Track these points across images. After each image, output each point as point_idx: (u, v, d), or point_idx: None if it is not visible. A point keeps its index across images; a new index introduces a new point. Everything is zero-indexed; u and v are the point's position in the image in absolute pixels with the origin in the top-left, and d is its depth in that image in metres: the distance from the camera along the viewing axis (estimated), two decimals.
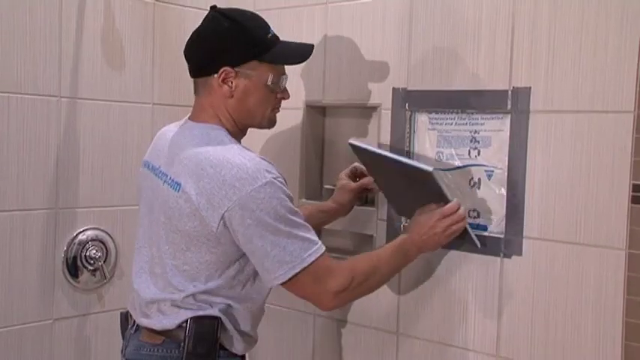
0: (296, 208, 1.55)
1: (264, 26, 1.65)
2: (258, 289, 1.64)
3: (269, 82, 1.64)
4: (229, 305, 1.60)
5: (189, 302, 1.58)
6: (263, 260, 1.52)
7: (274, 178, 1.51)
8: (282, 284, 1.54)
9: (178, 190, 1.54)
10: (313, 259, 1.53)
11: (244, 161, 1.51)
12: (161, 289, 1.61)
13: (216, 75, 1.60)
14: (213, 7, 1.66)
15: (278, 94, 1.68)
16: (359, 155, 1.87)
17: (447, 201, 1.68)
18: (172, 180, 1.57)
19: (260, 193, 1.48)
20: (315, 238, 1.55)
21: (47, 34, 2.02)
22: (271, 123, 1.71)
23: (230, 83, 1.61)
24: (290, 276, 1.52)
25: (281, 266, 1.51)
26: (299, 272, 1.52)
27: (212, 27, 1.62)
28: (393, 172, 1.79)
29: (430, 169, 1.64)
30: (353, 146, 1.84)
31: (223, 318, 1.59)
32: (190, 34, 1.67)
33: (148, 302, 1.63)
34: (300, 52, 1.71)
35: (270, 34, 1.64)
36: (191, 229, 1.54)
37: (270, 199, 1.49)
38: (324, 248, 1.56)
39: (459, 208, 1.67)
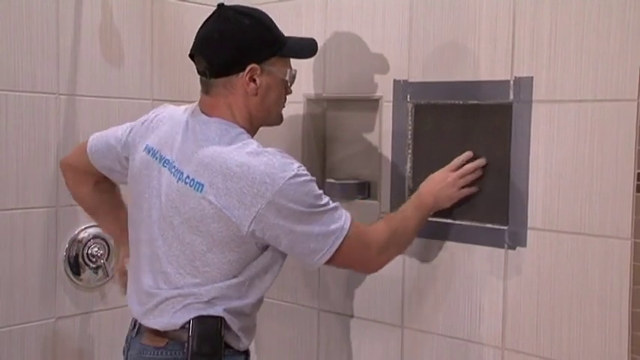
0: (319, 190, 1.56)
1: (274, 23, 1.66)
2: (264, 285, 1.63)
3: (287, 77, 1.66)
4: (237, 305, 1.58)
5: (200, 303, 1.56)
6: (308, 243, 1.53)
7: (299, 168, 1.53)
8: (330, 258, 1.55)
9: (201, 191, 1.52)
10: (349, 224, 1.56)
11: (269, 157, 1.52)
12: (172, 287, 1.58)
13: (242, 73, 1.59)
14: (221, 5, 1.63)
15: (288, 89, 1.70)
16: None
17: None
18: (192, 180, 1.54)
19: (291, 186, 1.49)
20: (340, 206, 1.59)
21: (45, 30, 2.01)
22: (281, 119, 1.74)
23: (256, 81, 1.60)
24: (337, 245, 1.54)
25: (327, 240, 1.53)
26: (344, 240, 1.54)
27: (233, 26, 1.58)
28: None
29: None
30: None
31: (228, 317, 1.57)
32: (201, 33, 1.62)
33: (153, 296, 1.60)
34: (310, 46, 1.75)
35: (279, 30, 1.66)
36: (214, 231, 1.52)
37: (301, 190, 1.51)
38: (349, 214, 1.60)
39: (467, 162, 1.79)
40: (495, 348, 1.80)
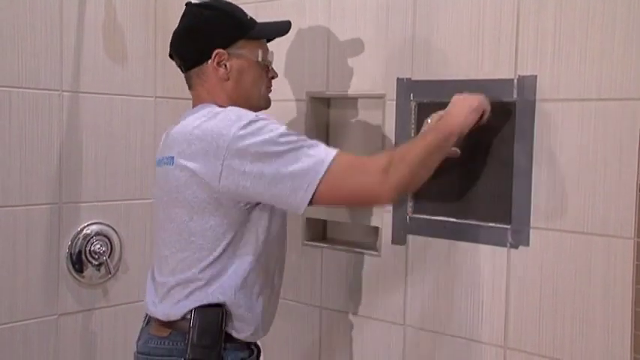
0: (289, 130, 1.53)
1: (241, 10, 1.73)
2: (267, 263, 1.64)
3: (259, 58, 1.70)
4: (239, 283, 1.59)
5: (198, 282, 1.58)
6: (285, 182, 1.48)
7: (257, 115, 1.55)
8: (318, 192, 1.48)
9: (173, 164, 1.57)
10: (333, 156, 1.49)
11: (226, 113, 1.56)
12: (171, 272, 1.61)
13: (209, 60, 1.65)
14: (188, 4, 1.73)
15: (268, 72, 1.74)
16: None
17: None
18: (166, 157, 1.61)
19: (248, 130, 1.50)
20: (321, 144, 1.53)
21: (48, 27, 2.01)
22: (267, 102, 1.76)
23: (224, 65, 1.66)
24: (319, 178, 1.47)
25: (306, 175, 1.48)
26: (327, 171, 1.47)
27: (195, 19, 1.70)
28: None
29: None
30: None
31: (230, 300, 1.58)
32: (173, 33, 1.72)
33: (160, 287, 1.64)
34: (281, 26, 1.80)
35: (248, 16, 1.72)
36: (191, 197, 1.55)
37: (260, 131, 1.51)
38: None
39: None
40: (498, 347, 1.80)
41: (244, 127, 1.50)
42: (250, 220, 1.59)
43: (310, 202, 1.50)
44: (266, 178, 1.49)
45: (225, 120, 1.53)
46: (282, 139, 1.50)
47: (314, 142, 1.54)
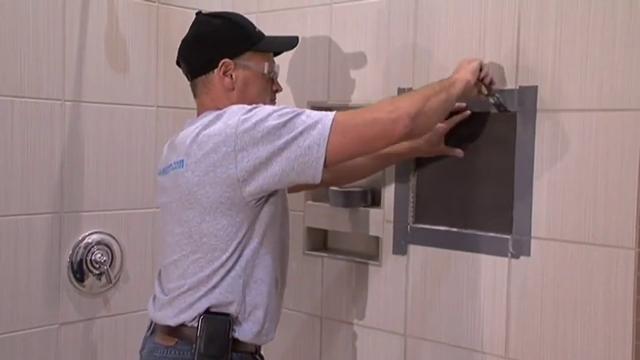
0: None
1: (250, 22, 1.74)
2: (273, 259, 1.64)
3: (265, 71, 1.70)
4: (246, 281, 1.60)
5: (209, 284, 1.58)
6: (298, 143, 1.50)
7: (257, 104, 1.58)
8: (331, 140, 1.49)
9: (183, 166, 1.58)
10: (335, 112, 1.53)
11: (230, 109, 1.58)
12: (181, 275, 1.61)
13: (216, 69, 1.66)
14: (199, 13, 1.74)
15: (273, 85, 1.75)
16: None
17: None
18: (175, 162, 1.60)
19: (250, 113, 1.53)
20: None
21: (50, 37, 2.02)
22: None
23: (230, 75, 1.67)
24: (330, 123, 1.49)
25: (314, 128, 1.50)
26: (333, 119, 1.50)
27: (204, 27, 1.71)
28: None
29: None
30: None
31: (239, 299, 1.58)
32: (181, 40, 1.72)
33: (170, 292, 1.63)
34: (288, 41, 1.80)
35: (257, 29, 1.73)
36: (203, 198, 1.55)
37: (261, 110, 1.54)
38: None
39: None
40: (498, 357, 1.79)
41: (247, 112, 1.54)
42: (260, 217, 1.60)
43: (326, 158, 1.50)
44: (281, 149, 1.50)
45: (230, 114, 1.55)
46: (284, 110, 1.53)
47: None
